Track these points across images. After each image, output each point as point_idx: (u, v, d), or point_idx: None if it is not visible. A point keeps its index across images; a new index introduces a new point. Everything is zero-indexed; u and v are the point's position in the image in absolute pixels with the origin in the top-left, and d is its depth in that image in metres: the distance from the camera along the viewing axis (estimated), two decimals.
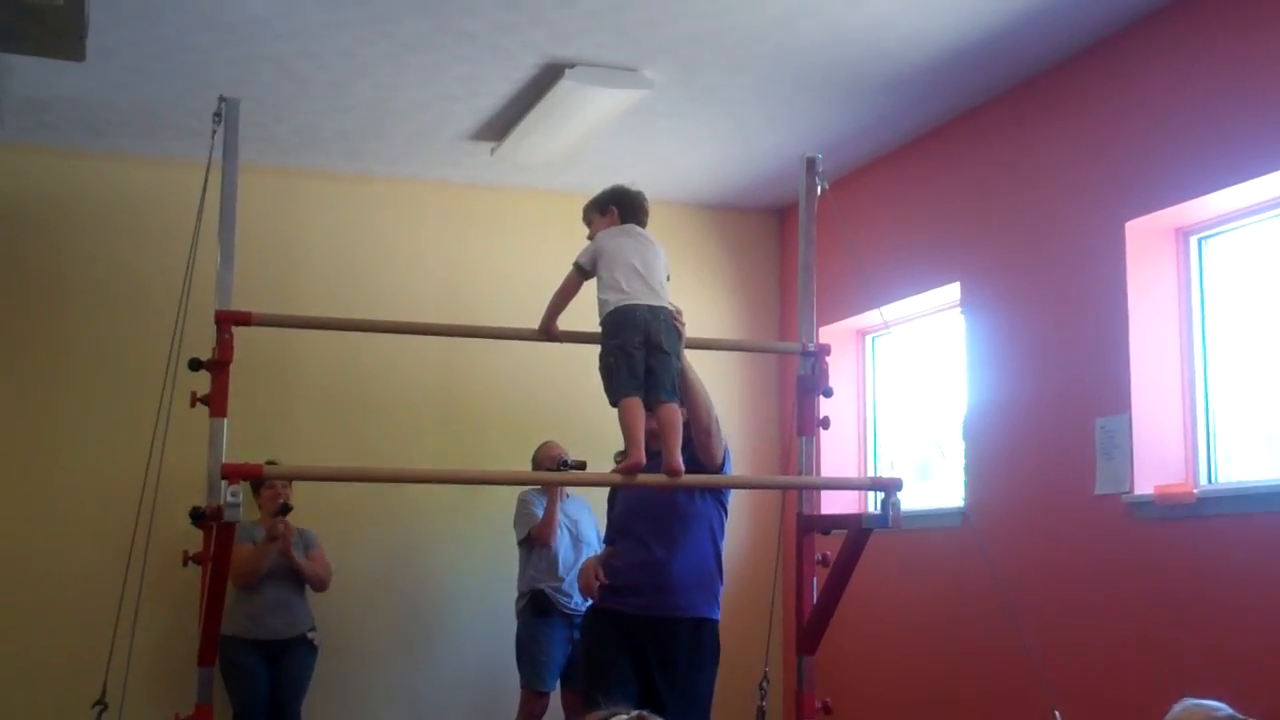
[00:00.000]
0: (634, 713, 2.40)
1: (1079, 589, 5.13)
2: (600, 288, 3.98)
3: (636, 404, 3.84)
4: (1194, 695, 2.98)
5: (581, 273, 4.04)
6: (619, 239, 4.02)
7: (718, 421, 4.42)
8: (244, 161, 4.17)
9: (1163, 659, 4.67)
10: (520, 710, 6.22)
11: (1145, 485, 4.84)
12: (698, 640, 4.40)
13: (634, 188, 4.19)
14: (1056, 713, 3.89)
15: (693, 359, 4.37)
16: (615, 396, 3.87)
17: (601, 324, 3.94)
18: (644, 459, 3.83)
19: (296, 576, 6.15)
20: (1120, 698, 4.81)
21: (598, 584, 4.49)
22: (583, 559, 5.87)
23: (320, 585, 6.23)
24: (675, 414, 3.92)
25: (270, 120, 6.06)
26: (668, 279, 4.04)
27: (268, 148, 6.43)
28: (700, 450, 4.33)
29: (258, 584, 6.01)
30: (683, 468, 3.88)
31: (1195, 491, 4.69)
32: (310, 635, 6.16)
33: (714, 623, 4.48)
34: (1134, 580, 4.87)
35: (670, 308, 3.96)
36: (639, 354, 3.84)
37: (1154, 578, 4.77)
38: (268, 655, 6.03)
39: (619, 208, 4.12)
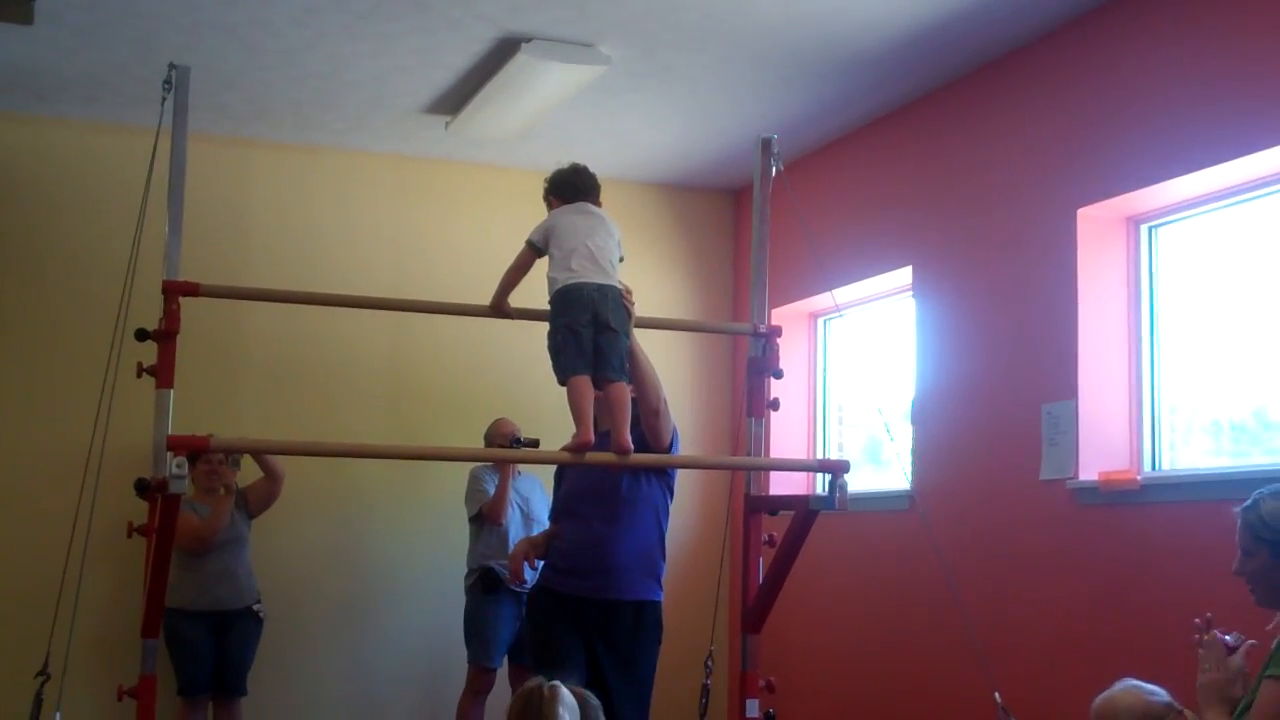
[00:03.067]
0: (549, 683, 2.44)
1: (1023, 572, 5.18)
2: (550, 266, 3.98)
3: (585, 382, 3.85)
4: (1135, 678, 3.02)
5: (534, 250, 4.05)
6: (571, 217, 4.03)
7: (666, 403, 4.42)
8: (193, 130, 4.13)
9: (1104, 642, 4.73)
10: (467, 686, 6.22)
11: (1090, 471, 4.89)
12: (639, 622, 4.41)
13: (580, 165, 4.22)
14: (996, 695, 3.93)
15: (644, 338, 4.37)
16: (563, 375, 3.88)
17: (550, 302, 3.95)
18: (592, 437, 3.84)
19: (243, 540, 6.10)
20: (1061, 680, 4.87)
21: (525, 568, 4.55)
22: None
23: (279, 474, 6.18)
24: (624, 393, 3.92)
25: (221, 88, 5.99)
26: (621, 259, 4.04)
27: (218, 116, 6.36)
28: (648, 431, 4.33)
29: (202, 554, 5.96)
30: (631, 446, 3.89)
31: (1139, 478, 4.74)
32: (256, 607, 6.13)
33: (656, 604, 4.48)
34: (1077, 564, 4.91)
35: (619, 286, 3.97)
36: (586, 332, 3.85)
37: (1097, 562, 4.82)
38: (213, 627, 6.00)
39: (573, 188, 4.14)
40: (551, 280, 3.94)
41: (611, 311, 3.88)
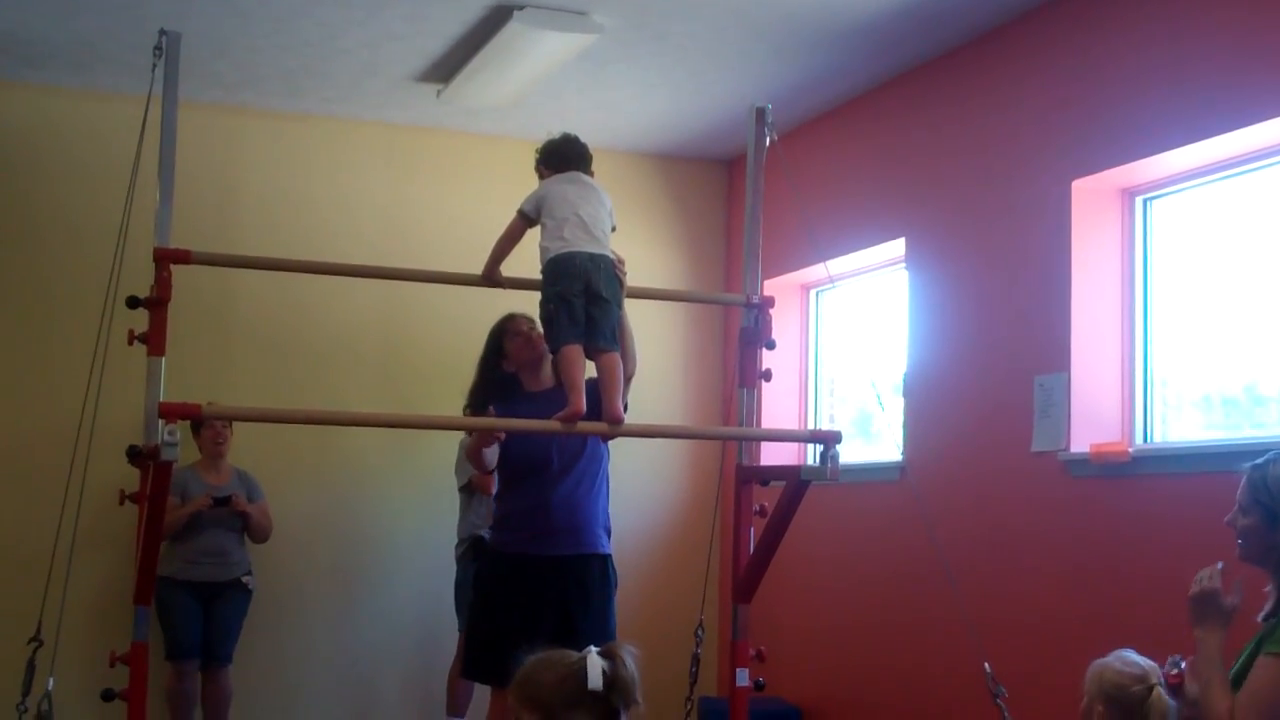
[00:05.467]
0: (601, 647, 2.43)
1: (1013, 544, 5.19)
2: (542, 235, 3.98)
3: (577, 351, 3.87)
4: (1130, 648, 3.01)
5: (525, 219, 4.05)
6: (563, 186, 4.04)
7: (635, 371, 4.47)
8: (184, 97, 4.10)
9: (1094, 614, 4.74)
10: (458, 655, 6.23)
11: (1081, 443, 4.89)
12: (604, 574, 4.50)
13: (571, 135, 4.24)
14: (986, 665, 3.94)
15: (636, 308, 4.39)
16: (555, 344, 3.90)
17: (542, 271, 3.95)
18: (584, 406, 3.84)
19: (235, 525, 6.11)
20: (1051, 651, 4.89)
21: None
22: None
23: (263, 536, 6.22)
24: (615, 362, 3.93)
25: (211, 56, 5.96)
26: (613, 229, 4.04)
27: (207, 84, 6.32)
28: None
29: (196, 530, 5.98)
30: (624, 417, 3.90)
31: (1130, 451, 4.75)
32: (245, 579, 6.14)
33: (611, 556, 4.57)
34: (1067, 536, 4.93)
35: (612, 256, 3.97)
36: (579, 302, 3.86)
37: (1087, 534, 4.84)
38: (201, 596, 6.02)
39: (564, 157, 4.14)
40: (544, 249, 3.94)
41: (604, 282, 3.89)
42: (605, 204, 4.05)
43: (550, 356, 4.49)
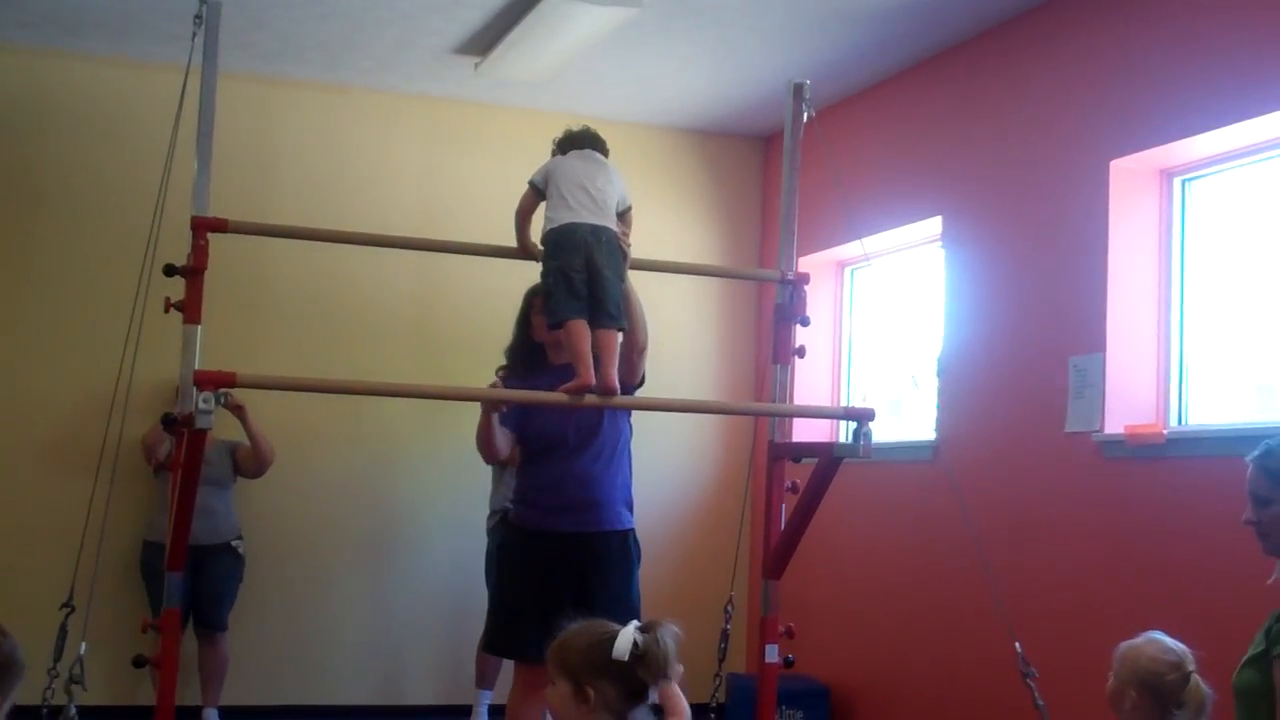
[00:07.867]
0: (644, 622, 2.42)
1: (1047, 525, 5.17)
2: (548, 206, 3.96)
3: (580, 325, 3.83)
4: (1161, 631, 2.98)
5: (535, 191, 4.03)
6: (571, 160, 4.03)
7: (648, 342, 4.44)
8: (221, 67, 4.10)
9: (1126, 595, 4.72)
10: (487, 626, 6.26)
11: (1116, 425, 4.87)
12: (626, 550, 4.46)
13: (590, 128, 4.23)
14: (1017, 645, 3.93)
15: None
16: (556, 318, 3.86)
17: (542, 243, 3.93)
18: (593, 379, 3.82)
19: (225, 481, 6.11)
20: (1083, 633, 4.87)
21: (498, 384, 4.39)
22: None
23: (264, 459, 6.18)
24: (613, 339, 3.90)
25: (249, 26, 5.97)
26: (628, 209, 4.01)
27: (245, 54, 6.34)
28: (627, 367, 4.29)
29: None
30: (617, 387, 3.87)
31: (1165, 432, 4.72)
32: (235, 544, 6.13)
33: (634, 530, 4.53)
34: (1101, 518, 4.90)
35: (615, 229, 3.93)
36: (579, 276, 3.82)
37: (1121, 516, 4.81)
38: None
39: (575, 140, 4.15)
40: (548, 219, 3.92)
41: (606, 256, 3.85)
42: (614, 180, 4.01)
43: None
